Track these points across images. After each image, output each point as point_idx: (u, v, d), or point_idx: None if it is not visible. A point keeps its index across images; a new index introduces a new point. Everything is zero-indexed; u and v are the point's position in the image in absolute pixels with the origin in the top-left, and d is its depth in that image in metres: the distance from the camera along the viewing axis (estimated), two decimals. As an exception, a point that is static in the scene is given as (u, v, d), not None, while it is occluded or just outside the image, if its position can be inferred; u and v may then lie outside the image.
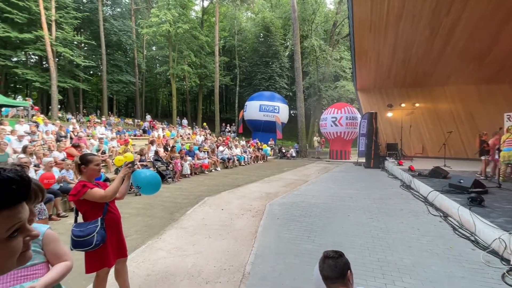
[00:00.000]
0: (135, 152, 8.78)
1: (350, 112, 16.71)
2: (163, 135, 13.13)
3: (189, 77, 27.65)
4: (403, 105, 13.09)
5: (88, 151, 8.18)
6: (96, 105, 33.74)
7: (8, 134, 7.72)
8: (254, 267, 3.04)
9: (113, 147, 9.46)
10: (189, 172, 9.49)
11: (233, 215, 5.04)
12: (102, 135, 10.99)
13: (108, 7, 30.45)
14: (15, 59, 21.14)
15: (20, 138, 7.58)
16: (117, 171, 7.64)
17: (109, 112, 25.23)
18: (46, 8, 19.38)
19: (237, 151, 13.78)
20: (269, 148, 17.13)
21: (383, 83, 13.76)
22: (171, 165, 8.84)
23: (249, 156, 14.38)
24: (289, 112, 24.51)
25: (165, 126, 17.03)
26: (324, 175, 10.24)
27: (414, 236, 3.90)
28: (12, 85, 26.46)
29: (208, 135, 17.62)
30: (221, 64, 29.71)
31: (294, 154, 18.11)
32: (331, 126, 16.83)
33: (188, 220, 4.79)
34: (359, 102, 15.39)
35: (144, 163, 8.29)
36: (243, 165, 13.32)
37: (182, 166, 9.23)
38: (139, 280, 2.79)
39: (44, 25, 18.92)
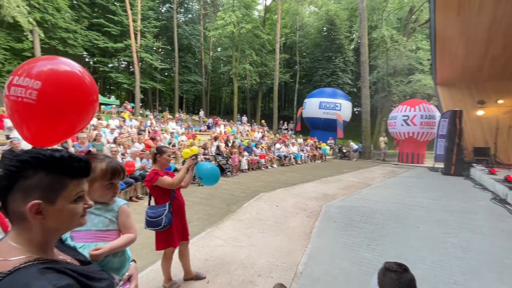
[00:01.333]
0: (199, 146, 9.58)
1: (426, 110, 14.60)
2: (225, 131, 13.94)
3: (250, 76, 28.58)
4: (500, 101, 10.78)
5: (162, 144, 9.31)
6: (168, 103, 38.04)
7: (104, 127, 9.40)
8: (306, 268, 2.98)
9: (182, 141, 10.51)
10: (246, 167, 9.85)
11: (287, 213, 5.02)
12: (173, 130, 12.33)
13: (181, 15, 33.76)
14: (110, 65, 25.47)
15: (112, 131, 9.12)
16: (184, 163, 8.47)
17: (179, 109, 28.12)
18: (134, 20, 22.71)
19: (294, 149, 13.64)
20: (328, 147, 16.41)
21: (472, 76, 11.53)
22: (230, 160, 9.33)
23: (306, 154, 14.08)
24: (352, 109, 22.91)
25: (226, 123, 18.06)
26: (390, 179, 9.27)
27: (508, 262, 3.19)
28: (107, 87, 32.04)
29: (266, 132, 17.94)
30: (281, 62, 29.75)
31: (355, 148, 16.86)
32: (402, 125, 15.03)
33: (244, 213, 4.98)
34: (438, 99, 13.30)
35: (207, 157, 8.96)
36: (300, 164, 13.12)
37: (239, 162, 9.64)
38: (198, 263, 3.05)
39: (132, 35, 22.22)
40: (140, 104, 24.42)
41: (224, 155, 9.48)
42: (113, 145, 7.53)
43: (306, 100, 21.89)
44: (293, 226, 4.36)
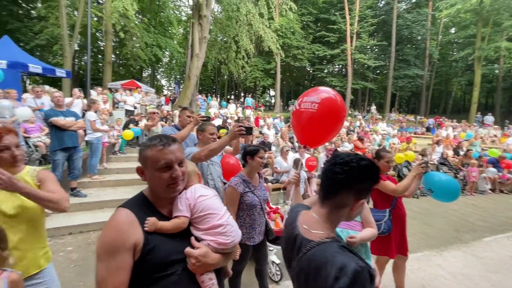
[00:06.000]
0: (416, 152, 8.19)
1: None
2: (454, 135, 10.87)
3: (508, 57, 19.91)
4: None
5: (371, 146, 9.04)
6: (378, 102, 35.97)
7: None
8: None
9: (393, 144, 9.55)
10: (489, 188, 7.07)
11: None
12: (383, 131, 11.52)
13: (402, 3, 30.22)
14: (325, 71, 28.48)
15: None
16: (395, 169, 7.67)
17: (392, 109, 25.72)
18: (351, 24, 23.63)
19: None
20: None
21: None
22: (461, 173, 7.14)
23: None
24: None
25: (456, 124, 13.95)
26: None
27: None
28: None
29: (532, 139, 11.77)
30: None
31: None
32: None
33: (485, 249, 3.63)
34: None
35: (426, 165, 7.48)
36: None
37: (477, 178, 7.08)
38: (413, 286, 2.65)
39: (348, 39, 23.27)
40: (349, 104, 25.22)
41: (452, 166, 7.42)
42: (326, 143, 8.43)
43: None
44: None
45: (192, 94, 12.80)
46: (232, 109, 13.51)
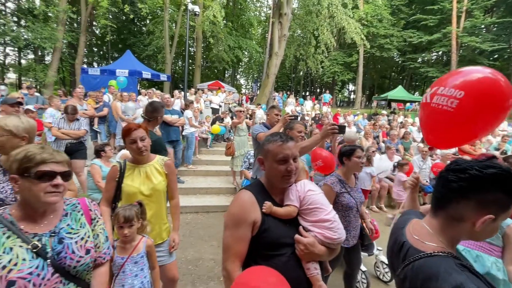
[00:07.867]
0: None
1: None
2: None
3: None
4: None
5: (483, 149, 7.35)
6: (494, 94, 28.59)
7: (410, 125, 9.38)
8: None
9: (519, 148, 7.47)
10: None
11: None
12: (503, 131, 9.14)
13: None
14: (419, 60, 24.42)
15: (419, 129, 8.82)
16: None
17: (514, 103, 20.12)
18: (458, 1, 19.51)
19: None
20: None
21: None
22: None
23: None
24: None
25: None
26: None
27: None
28: (412, 83, 31.29)
29: None
30: None
31: None
32: None
33: None
34: None
35: None
36: None
37: None
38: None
39: (454, 20, 19.31)
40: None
41: None
42: (420, 144, 7.30)
43: None
44: None
45: (270, 92, 13.19)
46: (308, 106, 13.26)
